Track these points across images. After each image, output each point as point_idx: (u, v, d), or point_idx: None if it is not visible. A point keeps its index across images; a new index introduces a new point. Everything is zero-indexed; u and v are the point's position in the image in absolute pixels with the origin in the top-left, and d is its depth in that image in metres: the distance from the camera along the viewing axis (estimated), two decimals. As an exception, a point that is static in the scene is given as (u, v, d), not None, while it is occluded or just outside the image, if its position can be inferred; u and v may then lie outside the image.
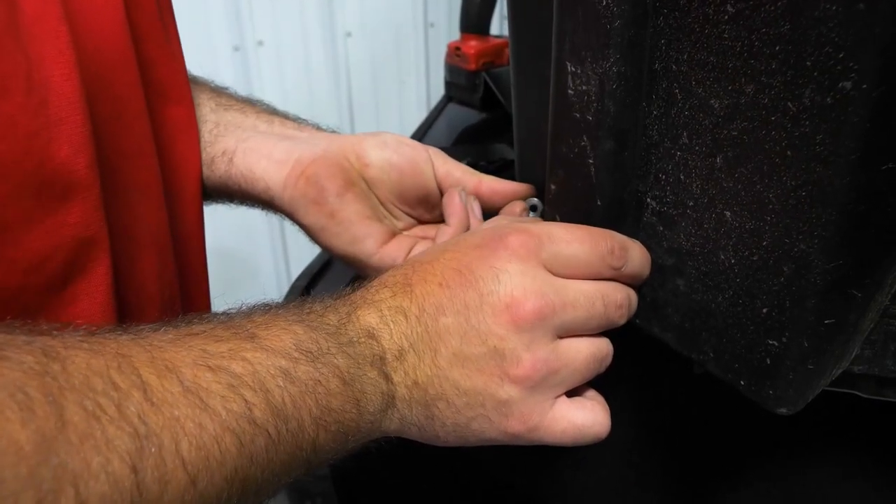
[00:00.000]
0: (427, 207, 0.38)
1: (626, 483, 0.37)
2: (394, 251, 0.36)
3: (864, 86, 0.18)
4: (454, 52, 0.79)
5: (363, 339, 0.25)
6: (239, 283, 1.14)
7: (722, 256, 0.25)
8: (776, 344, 0.24)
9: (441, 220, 0.38)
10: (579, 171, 0.28)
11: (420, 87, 1.31)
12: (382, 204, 0.38)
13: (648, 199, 0.28)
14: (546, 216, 0.33)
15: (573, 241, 0.27)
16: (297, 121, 0.41)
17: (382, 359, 0.25)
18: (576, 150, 0.28)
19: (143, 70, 0.32)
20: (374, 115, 1.25)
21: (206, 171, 0.38)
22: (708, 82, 0.23)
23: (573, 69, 0.26)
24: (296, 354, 0.22)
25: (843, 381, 0.27)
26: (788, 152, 0.21)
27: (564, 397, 0.27)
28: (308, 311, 0.25)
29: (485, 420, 0.25)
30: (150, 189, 0.32)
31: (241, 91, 0.44)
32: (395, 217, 0.38)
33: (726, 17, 0.22)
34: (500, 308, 0.25)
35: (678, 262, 0.27)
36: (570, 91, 0.27)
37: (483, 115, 0.81)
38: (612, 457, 0.37)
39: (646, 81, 0.25)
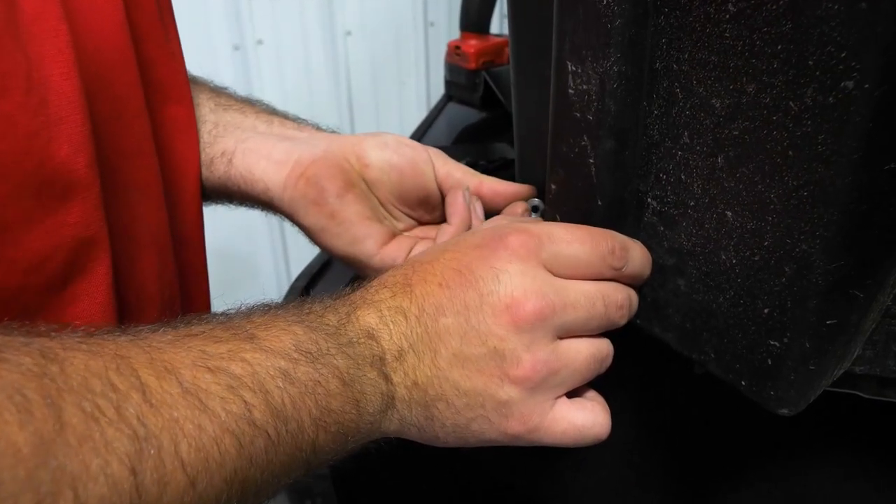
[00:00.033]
0: (427, 208, 0.38)
1: (626, 484, 0.37)
2: (394, 252, 0.36)
3: (867, 85, 0.18)
4: (454, 51, 0.79)
5: (363, 340, 0.25)
6: (239, 283, 1.14)
7: (723, 256, 0.25)
8: (777, 344, 0.24)
9: (441, 221, 0.38)
10: (580, 170, 0.28)
11: (420, 86, 1.31)
12: (382, 205, 0.38)
13: (649, 199, 0.28)
14: (546, 216, 0.32)
15: (574, 241, 0.27)
16: (296, 121, 0.41)
17: (382, 359, 0.25)
18: (576, 149, 0.28)
19: (143, 69, 0.32)
20: (373, 114, 1.25)
21: (205, 171, 0.38)
22: (709, 81, 0.23)
23: (574, 68, 0.26)
24: (295, 355, 0.22)
25: (844, 381, 0.26)
26: (790, 152, 0.21)
27: (565, 398, 0.26)
28: (307, 311, 0.25)
29: (485, 421, 0.25)
30: (150, 189, 0.32)
31: (241, 90, 0.44)
32: (395, 218, 0.38)
33: (727, 15, 0.21)
34: (501, 308, 0.25)
35: (679, 262, 0.27)
36: (570, 90, 0.27)
37: (483, 114, 0.81)
38: (613, 457, 0.37)
39: (646, 81, 0.25)
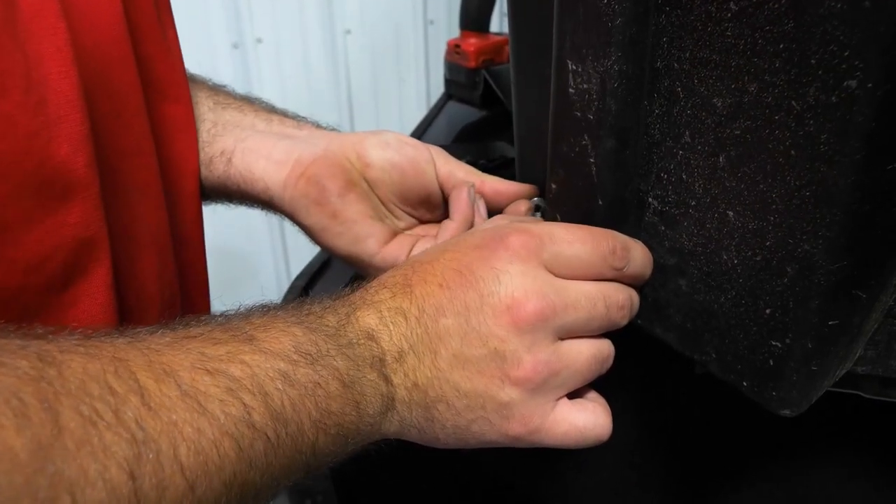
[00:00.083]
0: (429, 207, 0.38)
1: (627, 484, 0.37)
2: (395, 251, 0.36)
3: (870, 84, 0.18)
4: (454, 49, 0.79)
5: (363, 341, 0.25)
6: (239, 283, 1.14)
7: (724, 256, 0.25)
8: (779, 345, 0.24)
9: (442, 219, 0.38)
10: (580, 170, 0.28)
11: (420, 85, 1.31)
12: (384, 204, 0.37)
13: (650, 199, 0.27)
14: (547, 216, 0.32)
15: (574, 241, 0.26)
16: (296, 119, 0.41)
17: (382, 360, 0.25)
18: (577, 149, 0.27)
19: (141, 67, 0.32)
20: (373, 112, 1.25)
21: (204, 171, 0.38)
22: (710, 81, 0.23)
23: (574, 67, 0.26)
24: (295, 357, 0.22)
25: (846, 381, 0.26)
26: (792, 152, 0.21)
27: (566, 399, 0.26)
28: (307, 312, 0.25)
29: (485, 422, 0.25)
30: (150, 188, 0.32)
31: (240, 89, 0.44)
32: (396, 217, 0.38)
33: (729, 14, 0.21)
34: (501, 309, 0.25)
35: (680, 262, 0.27)
36: (570, 89, 0.27)
37: (483, 112, 0.81)
38: (614, 458, 0.37)
39: (647, 80, 0.25)
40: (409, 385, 0.25)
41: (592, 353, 0.26)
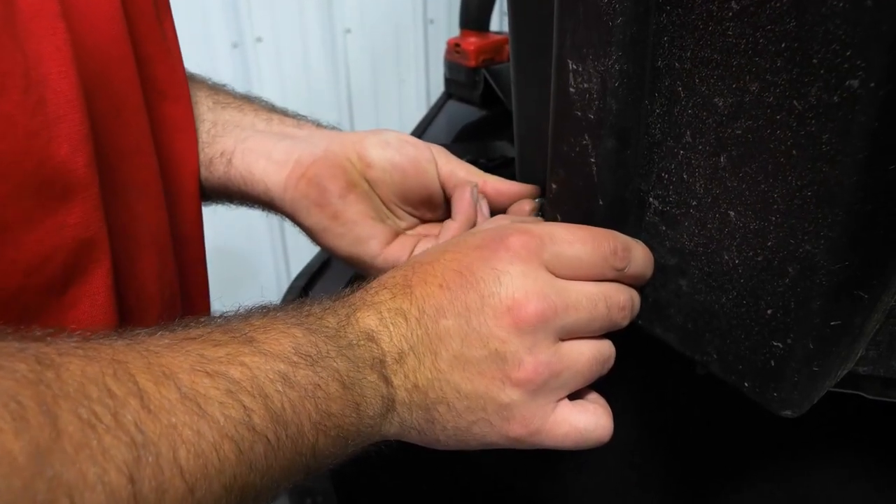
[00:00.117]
0: (430, 207, 0.38)
1: (627, 484, 0.37)
2: (397, 251, 0.36)
3: (872, 84, 0.18)
4: (454, 48, 0.78)
5: (363, 342, 0.24)
6: (239, 283, 1.14)
7: (726, 257, 0.25)
8: (781, 346, 0.24)
9: (444, 219, 0.38)
10: (581, 170, 0.28)
11: (420, 84, 1.31)
12: (385, 204, 0.37)
13: (651, 199, 0.27)
14: (547, 216, 0.32)
15: (575, 241, 0.26)
16: (296, 118, 0.41)
17: (382, 362, 0.25)
18: (577, 148, 0.27)
19: (140, 67, 0.32)
20: (373, 112, 1.25)
21: (204, 172, 0.38)
22: (712, 80, 0.23)
23: (574, 67, 0.26)
24: (295, 358, 0.22)
25: (847, 382, 0.26)
26: (794, 151, 0.21)
27: (566, 400, 0.26)
28: (307, 313, 0.25)
29: (486, 424, 0.25)
30: (150, 188, 0.32)
31: (240, 88, 0.43)
32: (397, 217, 0.38)
33: (731, 13, 0.21)
34: (502, 310, 0.25)
35: (681, 262, 0.27)
36: (571, 89, 0.26)
37: (483, 111, 0.81)
38: (614, 458, 0.37)
39: (648, 79, 0.25)
40: (409, 386, 0.25)
41: (593, 353, 0.26)
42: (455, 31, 0.81)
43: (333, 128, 0.40)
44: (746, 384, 0.25)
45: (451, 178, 0.37)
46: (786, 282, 0.23)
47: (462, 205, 0.35)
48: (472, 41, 0.76)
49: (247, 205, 0.40)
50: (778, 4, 0.20)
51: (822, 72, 0.19)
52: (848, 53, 0.18)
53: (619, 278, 0.27)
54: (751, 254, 0.24)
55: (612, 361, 0.27)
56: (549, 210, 0.31)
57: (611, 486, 0.37)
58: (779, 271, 0.23)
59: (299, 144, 0.37)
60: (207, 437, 0.18)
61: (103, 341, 0.19)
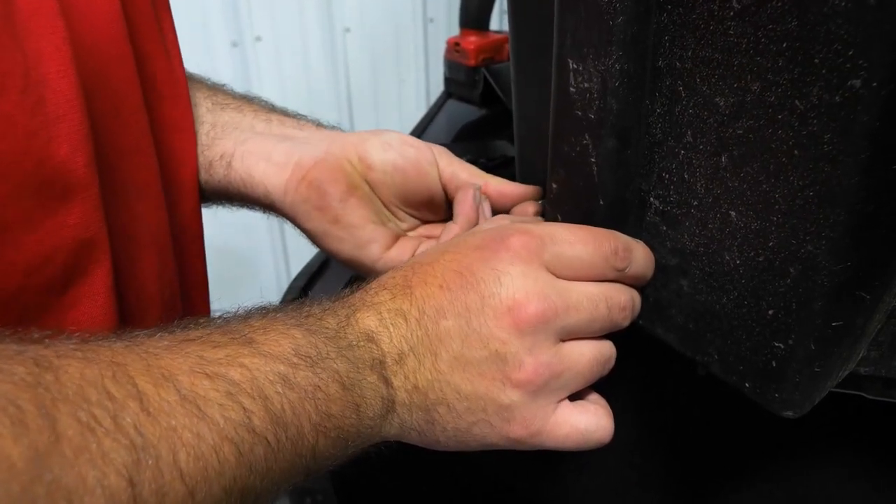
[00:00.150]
0: (432, 209, 0.38)
1: (627, 484, 0.37)
2: (398, 255, 0.36)
3: (874, 84, 0.18)
4: (453, 47, 0.78)
5: (362, 343, 0.24)
6: (239, 284, 1.14)
7: (727, 257, 0.25)
8: (782, 346, 0.23)
9: (446, 220, 0.38)
10: (581, 169, 0.28)
11: (419, 83, 1.30)
12: (386, 206, 0.37)
13: (652, 199, 0.27)
14: (547, 216, 0.32)
15: (576, 242, 0.26)
16: (296, 118, 0.40)
17: (382, 363, 0.25)
18: (577, 148, 0.27)
19: (140, 66, 0.32)
20: (373, 111, 1.25)
21: (204, 175, 0.37)
22: (713, 80, 0.23)
23: (575, 66, 0.26)
24: (294, 360, 0.22)
25: (848, 382, 0.26)
26: (795, 151, 0.21)
27: (567, 401, 0.26)
28: (306, 314, 0.25)
29: (486, 425, 0.25)
30: (149, 187, 0.32)
31: (239, 88, 0.43)
32: (398, 219, 0.38)
33: (732, 13, 0.21)
34: (502, 311, 0.25)
35: (682, 262, 0.27)
36: (571, 88, 0.26)
37: (483, 111, 0.81)
38: (615, 458, 0.37)
39: (649, 79, 0.25)
40: (409, 387, 0.25)
41: (594, 354, 0.26)
42: (455, 31, 0.81)
43: (334, 128, 0.40)
44: (747, 385, 0.25)
45: (453, 180, 0.36)
46: (787, 282, 0.22)
47: (464, 207, 0.35)
48: (472, 40, 0.76)
49: (247, 207, 0.40)
50: (779, 4, 0.20)
51: (823, 71, 0.19)
52: (850, 53, 0.18)
53: (620, 279, 0.27)
54: (752, 254, 0.23)
55: (612, 362, 0.27)
56: (550, 210, 0.31)
57: (611, 486, 0.37)
58: (780, 272, 0.23)
59: (299, 146, 0.37)
60: (207, 440, 0.18)
61: (102, 343, 0.19)
